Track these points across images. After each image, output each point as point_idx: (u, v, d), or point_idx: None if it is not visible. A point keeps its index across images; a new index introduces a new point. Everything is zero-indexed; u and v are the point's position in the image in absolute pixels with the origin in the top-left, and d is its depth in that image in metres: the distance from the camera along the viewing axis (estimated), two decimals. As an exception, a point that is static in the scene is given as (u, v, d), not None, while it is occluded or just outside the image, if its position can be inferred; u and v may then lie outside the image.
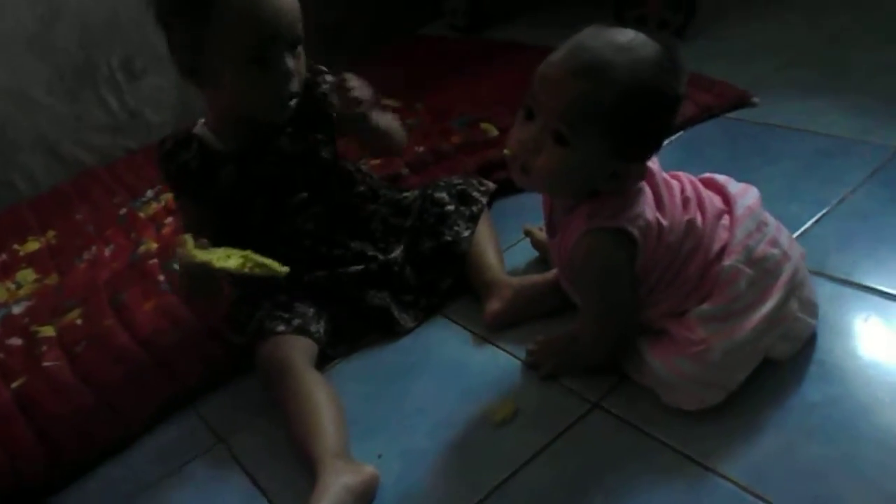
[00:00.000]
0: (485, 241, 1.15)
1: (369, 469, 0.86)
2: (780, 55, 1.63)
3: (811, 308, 0.89)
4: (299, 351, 1.01)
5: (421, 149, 1.55)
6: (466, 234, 1.15)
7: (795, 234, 1.08)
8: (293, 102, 1.02)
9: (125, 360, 1.15)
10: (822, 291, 0.96)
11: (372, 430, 0.95)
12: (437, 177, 1.41)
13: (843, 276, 0.99)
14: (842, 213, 1.11)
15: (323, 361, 1.07)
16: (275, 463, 0.94)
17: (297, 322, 1.04)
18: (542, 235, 1.17)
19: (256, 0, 0.94)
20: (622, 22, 1.66)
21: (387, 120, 1.14)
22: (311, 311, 1.07)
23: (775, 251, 0.84)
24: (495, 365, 1.00)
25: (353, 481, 0.83)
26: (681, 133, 1.43)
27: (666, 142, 1.39)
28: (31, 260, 1.58)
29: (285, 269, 0.93)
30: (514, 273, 1.14)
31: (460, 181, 1.23)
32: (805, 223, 1.10)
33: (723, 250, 0.83)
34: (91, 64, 1.95)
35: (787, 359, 0.87)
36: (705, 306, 0.82)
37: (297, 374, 0.98)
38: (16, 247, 1.66)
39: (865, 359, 0.87)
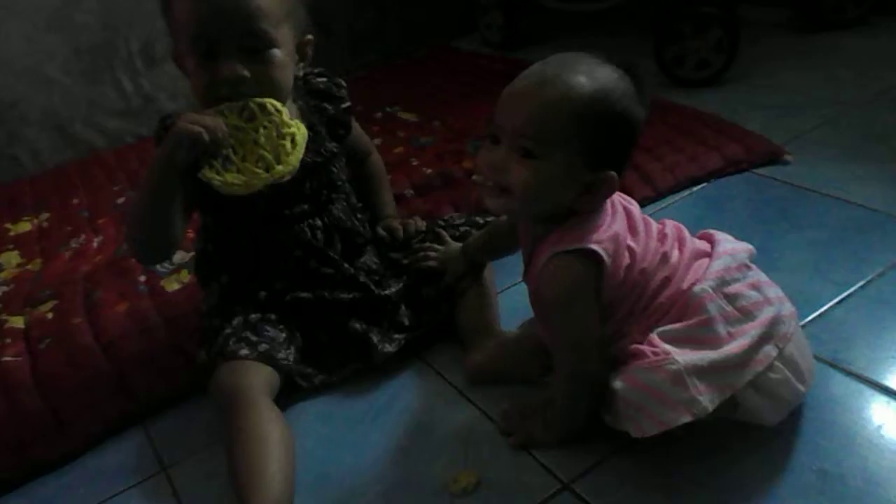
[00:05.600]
0: (480, 286, 1.06)
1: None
2: (823, 112, 1.52)
3: (799, 372, 0.79)
4: (259, 381, 0.93)
5: (429, 171, 1.48)
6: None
7: (812, 316, 0.98)
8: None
9: (84, 365, 1.09)
10: (834, 387, 0.87)
11: (322, 482, 0.87)
12: (443, 201, 1.35)
13: (858, 372, 0.89)
14: (867, 297, 1.01)
15: (292, 391, 0.99)
16: (216, 504, 0.87)
17: (263, 347, 0.97)
18: None
19: None
20: (662, 58, 1.64)
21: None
22: (283, 336, 1.00)
23: (753, 293, 0.79)
24: (466, 424, 0.92)
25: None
26: (703, 185, 1.33)
27: (686, 192, 1.33)
28: (19, 242, 1.53)
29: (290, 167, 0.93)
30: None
31: (462, 221, 1.15)
32: (824, 304, 1.00)
33: (696, 282, 0.79)
34: (110, 45, 1.90)
35: (769, 423, 0.79)
36: (670, 326, 0.77)
37: (251, 407, 0.89)
38: (7, 225, 1.61)
39: (874, 478, 0.76)
